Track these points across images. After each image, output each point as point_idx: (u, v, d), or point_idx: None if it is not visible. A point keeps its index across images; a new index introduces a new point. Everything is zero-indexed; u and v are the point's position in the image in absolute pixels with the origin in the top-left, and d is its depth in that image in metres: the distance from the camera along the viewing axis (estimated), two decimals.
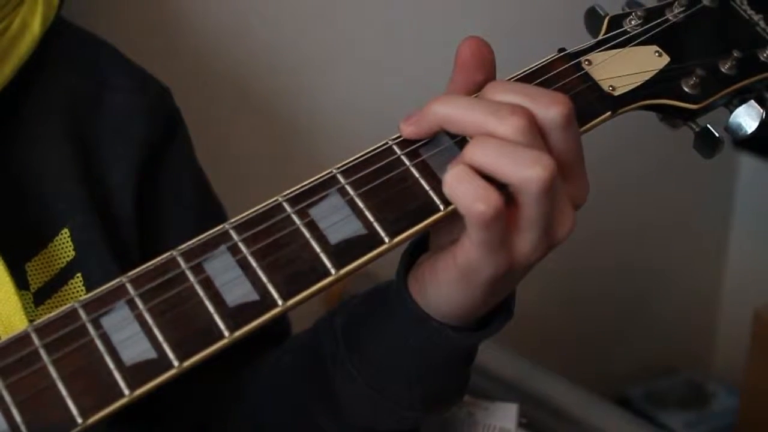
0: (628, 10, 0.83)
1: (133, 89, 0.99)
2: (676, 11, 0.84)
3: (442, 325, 0.79)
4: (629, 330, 1.98)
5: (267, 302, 0.69)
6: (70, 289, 0.89)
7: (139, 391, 0.66)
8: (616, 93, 0.79)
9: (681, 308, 2.06)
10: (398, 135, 0.75)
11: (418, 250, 0.81)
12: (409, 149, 0.74)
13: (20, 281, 0.86)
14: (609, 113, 0.78)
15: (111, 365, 0.66)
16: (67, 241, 0.90)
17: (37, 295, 0.88)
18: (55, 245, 0.90)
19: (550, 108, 0.72)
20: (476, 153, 0.71)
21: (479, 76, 0.76)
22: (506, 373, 1.29)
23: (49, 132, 0.93)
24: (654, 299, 2.01)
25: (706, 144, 0.82)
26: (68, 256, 0.90)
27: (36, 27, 0.92)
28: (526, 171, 0.70)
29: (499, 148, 0.70)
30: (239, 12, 1.35)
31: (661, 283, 2.01)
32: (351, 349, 0.84)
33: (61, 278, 0.90)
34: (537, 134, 0.72)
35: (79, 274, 0.90)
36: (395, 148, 0.74)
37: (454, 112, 0.73)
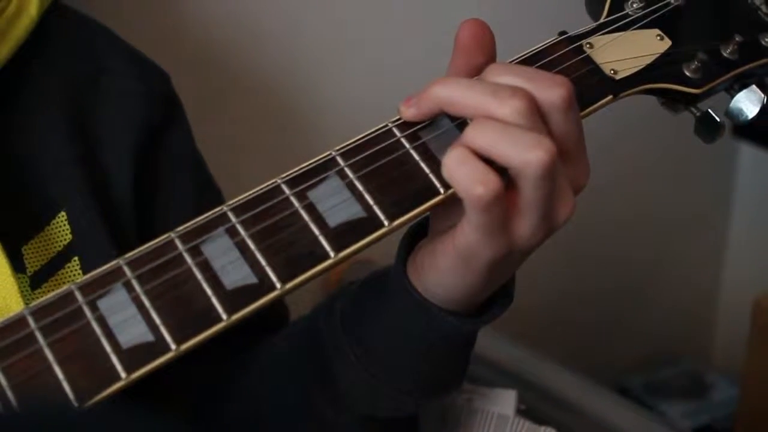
0: None
1: (130, 73, 0.98)
2: None
3: (441, 311, 0.78)
4: (628, 319, 1.98)
5: (265, 285, 0.68)
6: (67, 272, 0.89)
7: (135, 374, 0.65)
8: (618, 77, 0.79)
9: (680, 297, 2.05)
10: (398, 117, 0.74)
11: (417, 236, 0.81)
12: (409, 132, 0.74)
13: (17, 264, 0.86)
14: (611, 97, 0.78)
15: (108, 348, 0.66)
16: (64, 225, 0.90)
17: (33, 279, 0.88)
18: (52, 228, 0.90)
19: (551, 90, 0.72)
20: (476, 135, 0.70)
21: (479, 58, 0.76)
22: (505, 360, 1.29)
23: (47, 115, 0.93)
24: (653, 288, 2.00)
25: (707, 128, 0.82)
26: (65, 239, 0.90)
27: (33, 9, 0.92)
28: (526, 154, 0.69)
29: (498, 130, 0.70)
30: (240, 1, 1.34)
31: (660, 272, 2.00)
32: (350, 334, 0.84)
33: (58, 262, 0.89)
34: (537, 117, 0.71)
35: (76, 258, 0.89)
36: (395, 130, 0.74)
37: (454, 94, 0.73)
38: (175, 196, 0.98)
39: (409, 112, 0.74)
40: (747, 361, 1.78)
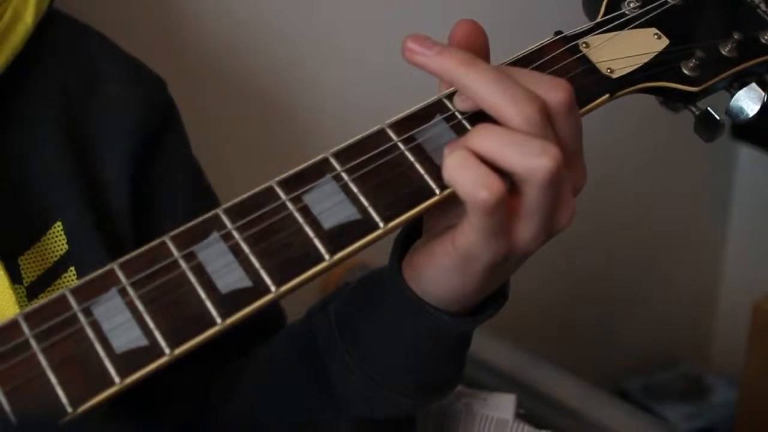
0: None
1: (126, 80, 0.98)
2: None
3: (437, 311, 0.78)
4: (628, 322, 1.97)
5: (260, 289, 0.68)
6: (64, 282, 0.89)
7: (129, 379, 0.65)
8: (615, 75, 0.78)
9: (680, 301, 2.05)
10: (393, 119, 0.74)
11: (412, 236, 0.80)
12: (404, 133, 0.73)
13: (13, 275, 0.86)
14: (607, 96, 0.77)
15: (101, 353, 0.65)
16: (60, 235, 0.89)
17: (30, 289, 0.87)
18: (48, 239, 0.89)
19: (552, 93, 0.71)
20: (481, 140, 0.70)
21: None
22: (505, 364, 1.29)
23: (42, 124, 0.92)
24: (653, 292, 2.00)
25: (707, 127, 0.81)
26: (61, 249, 0.89)
27: (28, 18, 0.91)
28: (533, 161, 0.69)
29: (505, 136, 0.69)
30: (235, 5, 1.34)
31: (659, 275, 2.00)
32: (345, 336, 0.84)
33: (55, 272, 0.89)
34: (548, 125, 0.71)
35: (72, 268, 0.89)
36: (390, 132, 0.73)
37: (473, 84, 0.71)
38: (172, 204, 0.98)
39: (416, 57, 0.73)
40: (746, 363, 1.78)
